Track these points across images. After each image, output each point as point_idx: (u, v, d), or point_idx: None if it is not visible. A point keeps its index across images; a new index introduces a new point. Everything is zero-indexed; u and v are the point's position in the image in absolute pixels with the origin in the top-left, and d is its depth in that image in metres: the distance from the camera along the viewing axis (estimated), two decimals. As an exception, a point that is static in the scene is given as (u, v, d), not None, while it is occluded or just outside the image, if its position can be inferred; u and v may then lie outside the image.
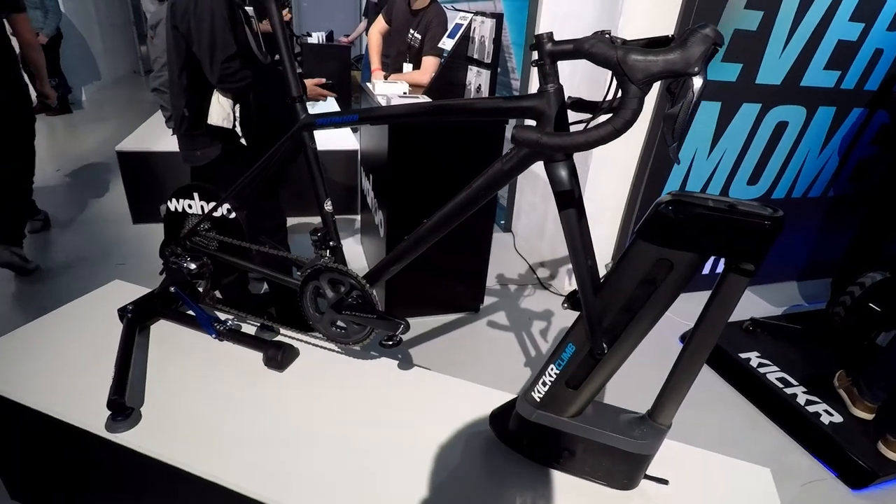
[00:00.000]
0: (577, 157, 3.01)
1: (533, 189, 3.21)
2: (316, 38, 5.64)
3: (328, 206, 1.15)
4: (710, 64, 0.65)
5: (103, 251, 3.02)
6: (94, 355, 1.31)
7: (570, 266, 0.85)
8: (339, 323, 1.23)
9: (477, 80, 2.16)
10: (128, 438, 1.09)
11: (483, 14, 2.06)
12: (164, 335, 1.42)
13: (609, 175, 2.59)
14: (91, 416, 1.13)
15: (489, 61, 2.06)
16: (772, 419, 2.06)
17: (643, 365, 2.14)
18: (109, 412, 1.10)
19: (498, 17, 1.94)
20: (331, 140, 3.50)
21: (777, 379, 2.13)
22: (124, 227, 3.31)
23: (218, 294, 1.43)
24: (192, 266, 1.28)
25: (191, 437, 1.10)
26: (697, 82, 0.62)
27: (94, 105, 6.96)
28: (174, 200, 1.31)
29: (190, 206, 1.29)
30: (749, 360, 2.25)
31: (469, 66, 2.21)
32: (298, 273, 1.22)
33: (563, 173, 0.86)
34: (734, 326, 2.46)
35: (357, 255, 3.11)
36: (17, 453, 1.40)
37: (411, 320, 2.39)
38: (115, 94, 7.67)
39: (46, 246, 3.07)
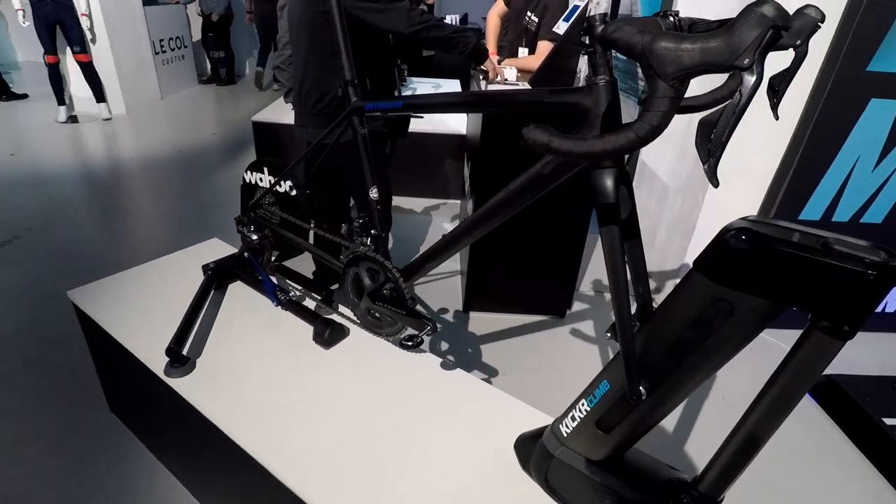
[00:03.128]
0: (693, 161, 2.67)
1: (648, 191, 2.91)
2: (450, 20, 5.65)
3: (373, 194, 1.11)
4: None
5: (233, 205, 3.35)
6: (179, 304, 1.42)
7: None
8: (375, 312, 1.20)
9: (588, 67, 1.97)
10: (178, 384, 1.18)
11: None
12: (238, 295, 1.52)
13: (736, 185, 2.24)
14: (158, 358, 1.23)
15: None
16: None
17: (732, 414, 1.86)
18: (168, 359, 1.20)
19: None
20: (441, 123, 3.50)
21: (931, 458, 1.70)
22: (253, 189, 3.64)
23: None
24: (254, 237, 1.33)
25: (228, 396, 1.16)
26: (748, 79, 0.46)
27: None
28: (249, 173, 1.37)
29: (261, 180, 1.34)
30: None
31: (581, 52, 2.02)
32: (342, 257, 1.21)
33: (607, 183, 0.72)
34: (878, 382, 2.01)
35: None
36: (113, 375, 1.60)
37: (490, 316, 2.35)
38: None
39: (191, 191, 3.49)
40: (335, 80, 1.73)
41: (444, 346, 2.19)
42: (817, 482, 1.67)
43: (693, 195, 2.40)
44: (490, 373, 2.03)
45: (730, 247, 0.64)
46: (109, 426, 1.69)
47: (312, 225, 1.28)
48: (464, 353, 2.14)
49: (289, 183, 1.28)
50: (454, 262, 2.82)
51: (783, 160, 2.16)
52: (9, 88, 5.71)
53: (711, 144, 0.49)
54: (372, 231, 1.14)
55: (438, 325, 1.14)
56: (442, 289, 2.58)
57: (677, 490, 0.83)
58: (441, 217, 3.38)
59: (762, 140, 2.16)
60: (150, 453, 1.59)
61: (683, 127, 2.59)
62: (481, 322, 2.33)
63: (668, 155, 2.79)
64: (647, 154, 3.01)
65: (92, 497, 1.47)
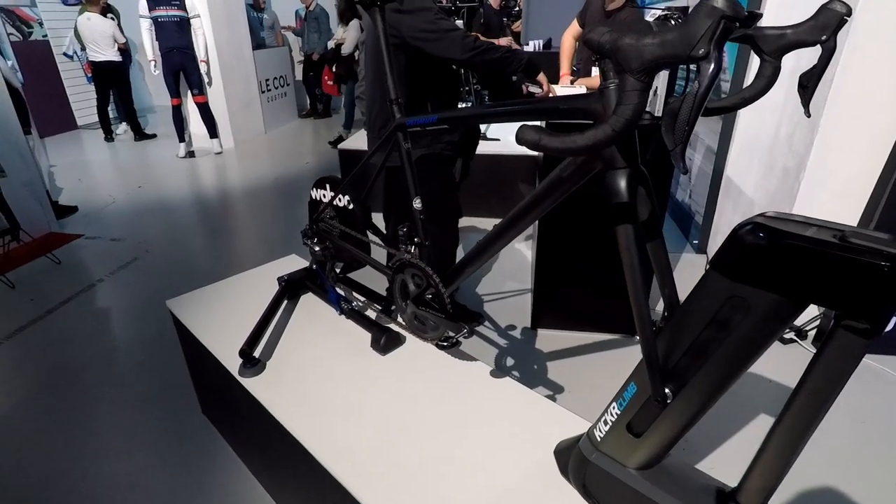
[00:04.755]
0: (787, 169, 2.52)
1: (734, 207, 2.75)
2: (532, 45, 5.75)
3: (417, 205, 1.18)
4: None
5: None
6: (257, 312, 1.56)
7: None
8: (420, 317, 1.26)
9: (654, 82, 1.94)
10: (249, 383, 1.31)
11: (671, 9, 1.84)
12: (308, 305, 1.65)
13: (829, 199, 2.07)
14: (234, 360, 1.37)
15: (665, 60, 1.83)
16: None
17: (865, 443, 1.69)
18: (241, 360, 1.34)
19: (683, 10, 1.71)
20: (515, 146, 3.55)
21: None
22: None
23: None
24: (317, 248, 1.46)
25: (292, 395, 1.26)
26: (705, 68, 0.47)
27: (349, 111, 8.26)
28: (315, 189, 1.50)
29: (324, 196, 1.47)
30: None
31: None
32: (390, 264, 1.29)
33: (620, 183, 0.73)
34: None
35: (525, 260, 3.11)
36: (202, 378, 1.79)
37: (558, 333, 2.33)
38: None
39: (282, 214, 3.82)
40: None
41: (510, 361, 2.20)
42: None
43: (780, 210, 2.25)
44: (555, 389, 2.00)
45: (744, 243, 0.63)
46: (201, 427, 1.87)
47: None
48: (529, 370, 2.14)
49: (347, 198, 1.40)
50: (524, 281, 2.83)
51: (884, 170, 1.97)
52: (142, 130, 6.60)
53: (676, 131, 0.51)
54: (416, 239, 1.21)
55: (477, 325, 1.17)
56: (511, 306, 2.60)
57: (716, 500, 0.80)
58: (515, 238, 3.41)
59: (857, 150, 1.99)
60: (234, 452, 1.75)
61: (770, 140, 2.44)
62: (549, 339, 2.32)
63: (753, 169, 2.63)
64: (733, 168, 2.86)
65: (178, 492, 1.64)
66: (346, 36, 5.56)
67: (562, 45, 3.02)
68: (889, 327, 2.26)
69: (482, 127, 3.95)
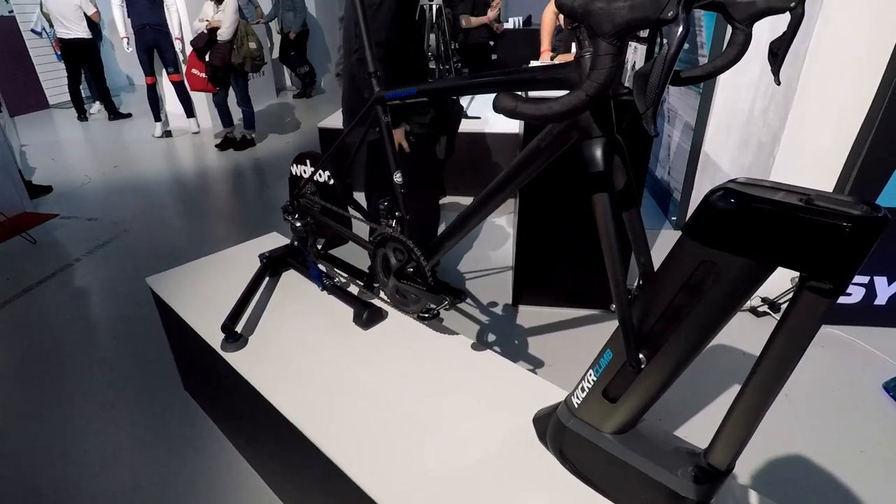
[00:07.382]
0: (762, 143, 2.54)
1: (711, 182, 2.79)
2: (512, 23, 5.70)
3: (397, 178, 1.18)
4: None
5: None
6: (239, 289, 1.55)
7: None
8: (401, 291, 1.26)
9: (633, 57, 1.95)
10: (231, 358, 1.31)
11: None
12: (290, 281, 1.64)
13: (804, 171, 2.11)
14: (216, 335, 1.37)
15: (644, 35, 1.83)
16: None
17: (832, 410, 1.75)
18: (223, 335, 1.33)
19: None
20: (497, 124, 3.55)
21: None
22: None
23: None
24: (298, 224, 1.45)
25: (275, 369, 1.26)
26: (674, 31, 0.48)
27: (332, 89, 8.12)
28: (295, 165, 1.49)
29: (304, 172, 1.46)
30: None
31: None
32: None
33: (596, 152, 0.74)
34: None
35: (507, 237, 3.12)
36: (183, 355, 1.78)
37: (538, 310, 2.36)
38: (346, 80, 8.86)
39: (262, 193, 3.77)
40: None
41: (492, 337, 2.23)
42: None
43: (755, 185, 2.29)
44: (536, 364, 2.04)
45: (714, 208, 0.64)
46: (182, 403, 1.87)
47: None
48: (511, 345, 2.17)
49: (327, 173, 1.39)
50: (506, 259, 2.85)
51: (855, 142, 2.01)
52: (116, 109, 6.42)
53: (647, 95, 0.52)
54: (396, 213, 1.21)
55: (459, 301, 1.17)
56: (493, 283, 2.63)
57: (686, 460, 0.83)
58: (497, 214, 3.42)
59: (830, 124, 2.02)
60: (216, 427, 1.75)
61: (745, 116, 2.47)
62: (530, 315, 2.35)
63: (729, 145, 2.67)
64: (710, 144, 2.90)
65: (160, 466, 1.65)
66: (222, 18, 4.35)
67: (542, 22, 3.00)
68: (857, 299, 2.31)
69: (463, 105, 3.93)
